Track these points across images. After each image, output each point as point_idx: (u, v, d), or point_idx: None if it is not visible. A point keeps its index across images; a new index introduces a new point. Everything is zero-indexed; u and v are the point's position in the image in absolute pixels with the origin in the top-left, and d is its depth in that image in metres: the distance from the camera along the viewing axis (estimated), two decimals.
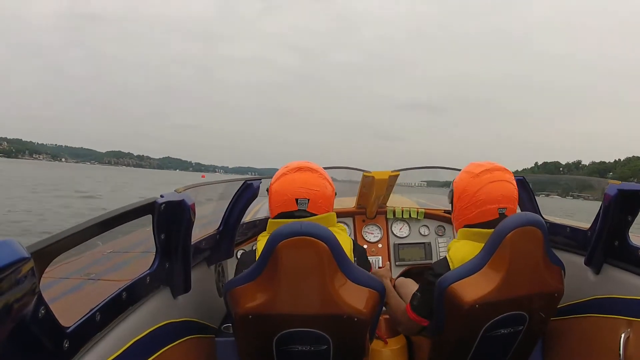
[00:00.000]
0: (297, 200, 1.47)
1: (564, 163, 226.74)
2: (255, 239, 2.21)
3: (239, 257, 2.20)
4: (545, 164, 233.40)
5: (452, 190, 1.63)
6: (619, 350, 1.41)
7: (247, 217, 2.31)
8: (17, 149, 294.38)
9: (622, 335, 1.43)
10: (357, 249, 1.53)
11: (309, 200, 1.47)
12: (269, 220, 1.50)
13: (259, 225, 2.34)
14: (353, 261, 1.44)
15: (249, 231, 2.28)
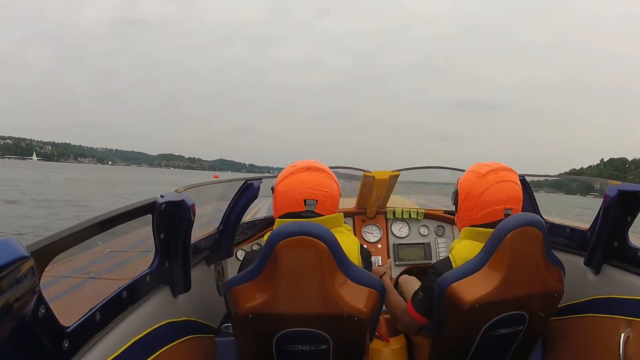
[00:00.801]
0: (305, 201, 1.45)
1: (630, 159, 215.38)
2: (255, 239, 2.21)
3: (239, 256, 2.20)
4: (611, 160, 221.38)
5: (456, 191, 1.61)
6: (619, 350, 1.42)
7: (247, 217, 2.31)
8: (60, 153, 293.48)
9: (622, 335, 1.43)
10: (364, 252, 1.52)
11: (317, 201, 1.45)
12: (276, 219, 1.48)
13: (259, 225, 2.34)
14: (360, 263, 1.44)
15: (248, 231, 2.28)
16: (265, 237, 1.45)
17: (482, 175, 1.54)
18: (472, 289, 1.39)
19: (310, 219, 1.40)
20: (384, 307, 1.51)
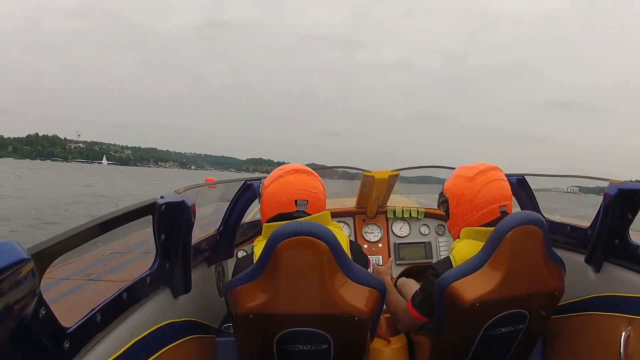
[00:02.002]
0: (296, 201, 1.47)
1: None
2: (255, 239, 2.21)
3: (239, 257, 2.20)
4: None
5: (445, 198, 1.60)
6: (620, 348, 1.41)
7: (247, 218, 2.31)
8: (140, 157, 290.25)
9: (623, 333, 1.43)
10: (353, 246, 1.53)
11: (307, 202, 1.48)
12: (264, 224, 1.50)
13: (259, 226, 2.34)
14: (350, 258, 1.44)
15: (249, 231, 2.28)
16: (255, 244, 1.46)
17: (470, 178, 1.54)
18: (473, 288, 1.39)
19: (301, 219, 1.41)
20: (384, 307, 1.51)
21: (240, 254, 2.22)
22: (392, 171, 2.24)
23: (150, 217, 1.21)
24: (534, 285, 1.45)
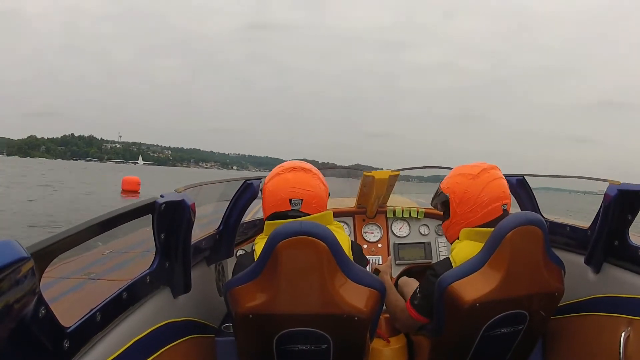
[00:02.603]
0: (290, 200, 1.46)
1: None
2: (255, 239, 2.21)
3: (238, 256, 2.20)
4: None
5: (447, 196, 1.59)
6: (619, 349, 1.41)
7: (247, 217, 2.31)
8: (180, 158, 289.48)
9: (622, 334, 1.43)
10: (355, 247, 1.53)
11: (302, 200, 1.46)
12: (265, 222, 1.50)
13: (259, 225, 2.34)
14: (351, 259, 1.44)
15: (249, 231, 2.28)
16: (256, 242, 1.46)
17: (475, 176, 1.54)
18: (472, 289, 1.39)
19: (297, 219, 1.40)
20: (384, 307, 1.51)
21: (240, 253, 2.22)
22: (392, 171, 2.24)
23: (149, 217, 1.21)
24: (534, 286, 1.45)
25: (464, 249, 1.49)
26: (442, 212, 1.66)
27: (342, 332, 1.37)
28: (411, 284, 1.77)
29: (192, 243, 1.40)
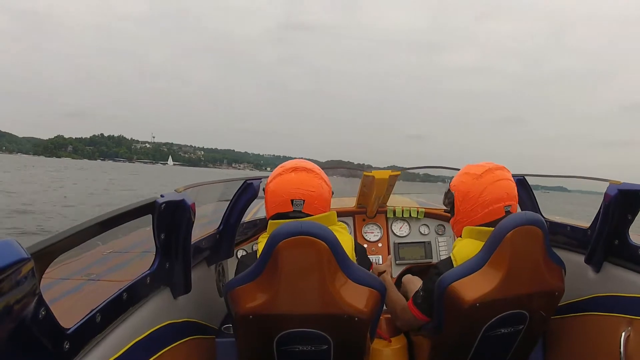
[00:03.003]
0: (292, 201, 1.45)
1: None
2: (256, 239, 2.21)
3: (239, 257, 2.20)
4: None
5: (452, 194, 1.61)
6: (620, 348, 1.41)
7: (247, 217, 2.31)
8: (212, 158, 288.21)
9: (623, 334, 1.43)
10: (358, 248, 1.52)
11: (304, 201, 1.45)
12: (269, 221, 1.49)
13: (259, 225, 2.34)
14: (355, 260, 1.43)
15: (249, 231, 2.28)
16: (260, 240, 1.45)
17: (478, 175, 1.54)
18: (473, 288, 1.39)
19: (300, 219, 1.39)
20: (384, 307, 1.51)
21: (240, 253, 2.22)
22: (392, 171, 2.24)
23: (149, 217, 1.21)
24: (534, 286, 1.45)
25: (465, 248, 1.50)
26: (449, 210, 1.67)
27: (343, 333, 1.37)
28: (415, 282, 1.77)
29: (192, 243, 1.40)
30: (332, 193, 1.56)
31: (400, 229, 2.52)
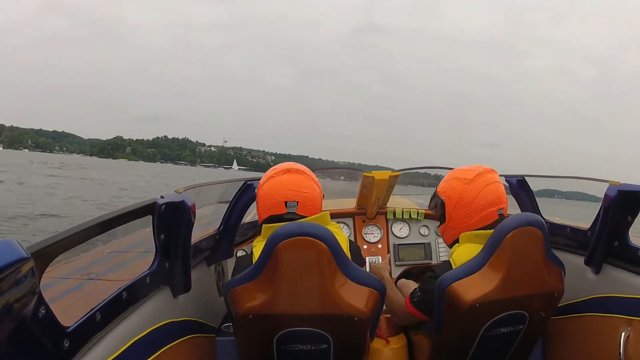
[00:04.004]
0: (286, 203, 1.46)
1: None
2: (255, 239, 2.21)
3: (238, 257, 2.20)
4: None
5: (442, 201, 1.58)
6: (619, 349, 1.41)
7: (247, 218, 2.31)
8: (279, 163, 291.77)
9: (622, 335, 1.43)
10: (353, 247, 1.52)
11: (297, 202, 1.46)
12: (263, 225, 1.50)
13: (259, 226, 2.34)
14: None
15: (249, 231, 2.28)
16: (254, 244, 1.46)
17: (469, 180, 1.53)
18: (472, 289, 1.39)
19: (294, 221, 1.39)
20: (384, 307, 1.51)
21: (240, 253, 2.22)
22: (392, 172, 2.25)
23: (150, 217, 1.21)
24: (534, 287, 1.45)
25: (464, 252, 1.49)
26: (438, 216, 1.65)
27: (342, 332, 1.37)
28: (410, 285, 1.77)
29: (192, 243, 1.40)
30: (324, 195, 1.57)
31: (400, 230, 2.52)
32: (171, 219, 1.25)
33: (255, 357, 1.46)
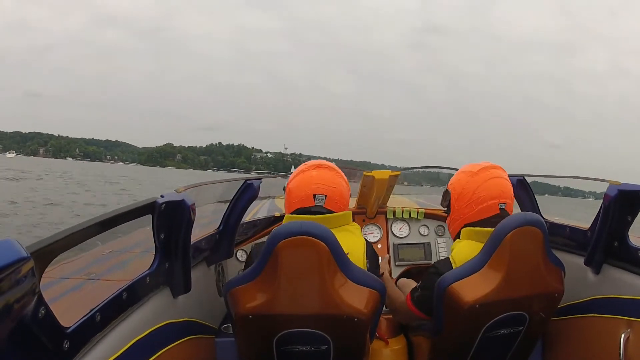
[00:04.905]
0: (314, 196, 1.48)
1: None
2: (256, 239, 2.20)
3: (239, 257, 2.20)
4: None
5: (448, 192, 1.63)
6: (619, 350, 1.41)
7: (247, 217, 2.31)
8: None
9: (622, 336, 1.42)
10: (371, 253, 1.53)
11: (326, 196, 1.48)
12: (286, 215, 1.52)
13: (260, 225, 2.34)
14: (364, 264, 1.44)
15: (249, 231, 2.28)
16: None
17: (474, 173, 1.56)
18: (472, 289, 1.39)
19: (319, 215, 1.43)
20: (384, 308, 1.51)
21: (240, 253, 2.22)
22: (392, 172, 2.24)
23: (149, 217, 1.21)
24: (534, 287, 1.45)
25: (464, 249, 1.50)
26: (445, 209, 1.68)
27: (342, 333, 1.37)
28: (410, 285, 1.77)
29: (192, 243, 1.40)
30: (350, 193, 1.59)
31: (400, 229, 2.52)
32: (171, 218, 1.25)
33: (255, 358, 1.46)
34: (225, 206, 1.88)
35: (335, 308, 1.31)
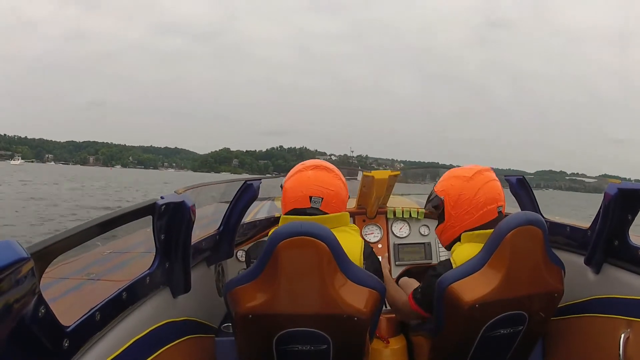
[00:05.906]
0: (310, 197, 1.47)
1: None
2: (256, 239, 2.21)
3: (239, 257, 2.20)
4: None
5: (441, 199, 1.57)
6: (619, 350, 1.41)
7: (247, 218, 2.31)
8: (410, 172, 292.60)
9: (622, 335, 1.42)
10: (369, 253, 1.51)
11: (322, 198, 1.47)
12: (282, 216, 1.50)
13: (260, 226, 2.34)
14: (361, 263, 1.44)
15: (249, 231, 2.28)
16: (270, 234, 1.46)
17: (468, 178, 1.54)
18: (472, 289, 1.39)
19: (315, 216, 1.41)
20: (384, 308, 1.51)
21: (240, 254, 2.22)
22: (392, 171, 2.24)
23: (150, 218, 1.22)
24: (534, 287, 1.45)
25: (465, 251, 1.49)
26: (436, 215, 1.64)
27: (342, 333, 1.37)
28: (412, 284, 1.77)
29: (192, 244, 1.40)
30: (348, 194, 1.58)
31: (400, 229, 2.52)
32: (171, 219, 1.26)
33: (254, 357, 1.46)
34: (225, 206, 1.88)
35: (335, 308, 1.31)
